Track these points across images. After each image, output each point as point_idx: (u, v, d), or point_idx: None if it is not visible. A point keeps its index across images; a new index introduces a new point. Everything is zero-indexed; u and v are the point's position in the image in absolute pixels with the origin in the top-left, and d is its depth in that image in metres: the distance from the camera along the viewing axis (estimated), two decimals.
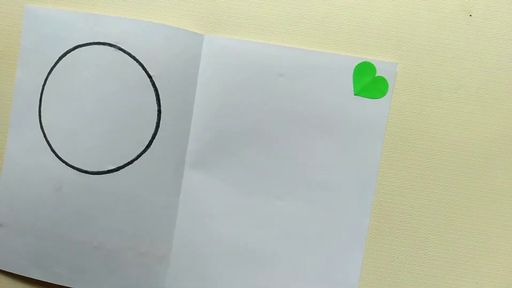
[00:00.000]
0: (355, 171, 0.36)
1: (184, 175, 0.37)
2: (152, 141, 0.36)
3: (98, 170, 0.36)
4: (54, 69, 0.37)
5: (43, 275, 0.38)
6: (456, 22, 0.35)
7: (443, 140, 0.35)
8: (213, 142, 0.36)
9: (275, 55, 0.36)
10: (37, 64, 0.37)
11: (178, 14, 0.37)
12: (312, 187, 0.36)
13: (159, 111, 0.36)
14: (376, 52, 0.35)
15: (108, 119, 0.36)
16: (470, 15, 0.35)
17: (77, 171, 0.36)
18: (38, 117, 0.37)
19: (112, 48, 0.36)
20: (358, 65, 0.35)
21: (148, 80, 0.36)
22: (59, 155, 0.37)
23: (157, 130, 0.36)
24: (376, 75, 0.35)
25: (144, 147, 0.36)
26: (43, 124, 0.37)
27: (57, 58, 0.37)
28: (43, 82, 0.37)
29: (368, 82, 0.35)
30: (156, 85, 0.36)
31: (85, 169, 0.36)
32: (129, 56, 0.36)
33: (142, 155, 0.36)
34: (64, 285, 0.38)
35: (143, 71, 0.36)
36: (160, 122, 0.36)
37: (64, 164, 0.37)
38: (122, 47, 0.36)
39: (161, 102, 0.36)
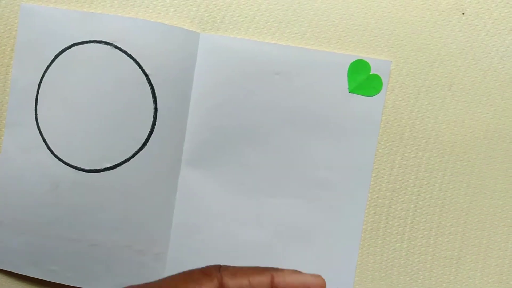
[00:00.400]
0: (350, 168, 0.36)
1: (180, 172, 0.37)
2: (148, 139, 0.36)
3: (94, 168, 0.36)
4: (50, 67, 0.37)
5: (40, 273, 0.37)
6: (449, 21, 0.35)
7: (436, 137, 0.36)
8: (209, 139, 0.37)
9: (271, 53, 0.36)
10: (33, 62, 0.37)
11: (174, 13, 0.37)
12: (307, 185, 0.36)
13: (155, 109, 0.36)
14: (371, 50, 0.36)
15: (104, 117, 0.36)
16: (463, 14, 0.35)
17: (74, 169, 0.36)
18: (34, 116, 0.37)
19: (108, 46, 0.36)
20: (353, 63, 0.35)
21: (144, 78, 0.36)
22: (56, 153, 0.37)
23: (154, 128, 0.36)
24: (370, 73, 0.36)
25: (140, 145, 0.36)
26: (39, 122, 0.37)
27: (53, 56, 0.36)
28: (39, 81, 0.37)
29: (363, 79, 0.36)
30: (152, 83, 0.36)
31: (82, 167, 0.36)
32: (125, 54, 0.36)
33: (139, 153, 0.36)
34: (61, 283, 0.37)
35: (139, 69, 0.36)
36: (157, 120, 0.36)
37: (60, 162, 0.37)
38: (118, 45, 0.36)
39: (157, 100, 0.36)
